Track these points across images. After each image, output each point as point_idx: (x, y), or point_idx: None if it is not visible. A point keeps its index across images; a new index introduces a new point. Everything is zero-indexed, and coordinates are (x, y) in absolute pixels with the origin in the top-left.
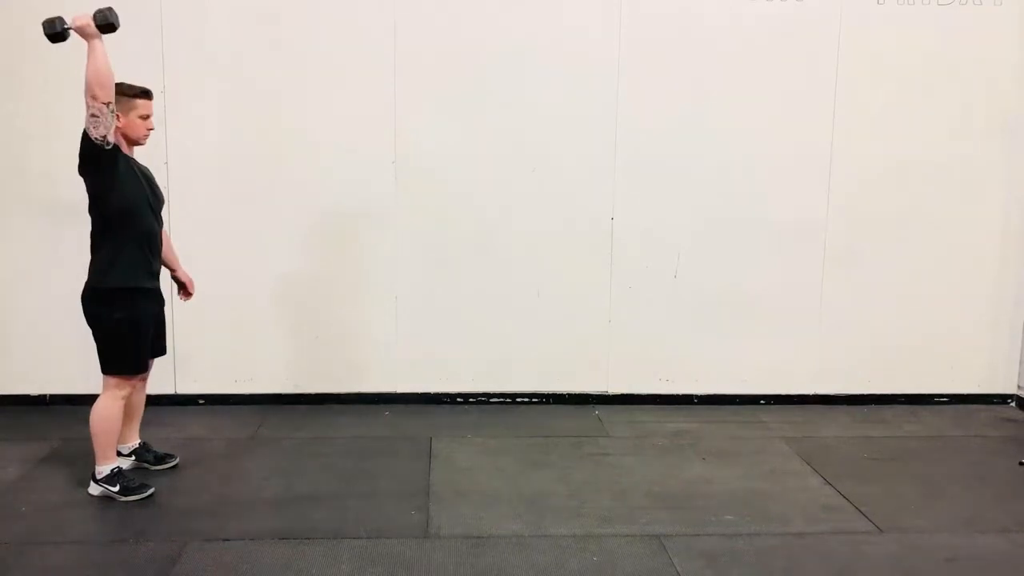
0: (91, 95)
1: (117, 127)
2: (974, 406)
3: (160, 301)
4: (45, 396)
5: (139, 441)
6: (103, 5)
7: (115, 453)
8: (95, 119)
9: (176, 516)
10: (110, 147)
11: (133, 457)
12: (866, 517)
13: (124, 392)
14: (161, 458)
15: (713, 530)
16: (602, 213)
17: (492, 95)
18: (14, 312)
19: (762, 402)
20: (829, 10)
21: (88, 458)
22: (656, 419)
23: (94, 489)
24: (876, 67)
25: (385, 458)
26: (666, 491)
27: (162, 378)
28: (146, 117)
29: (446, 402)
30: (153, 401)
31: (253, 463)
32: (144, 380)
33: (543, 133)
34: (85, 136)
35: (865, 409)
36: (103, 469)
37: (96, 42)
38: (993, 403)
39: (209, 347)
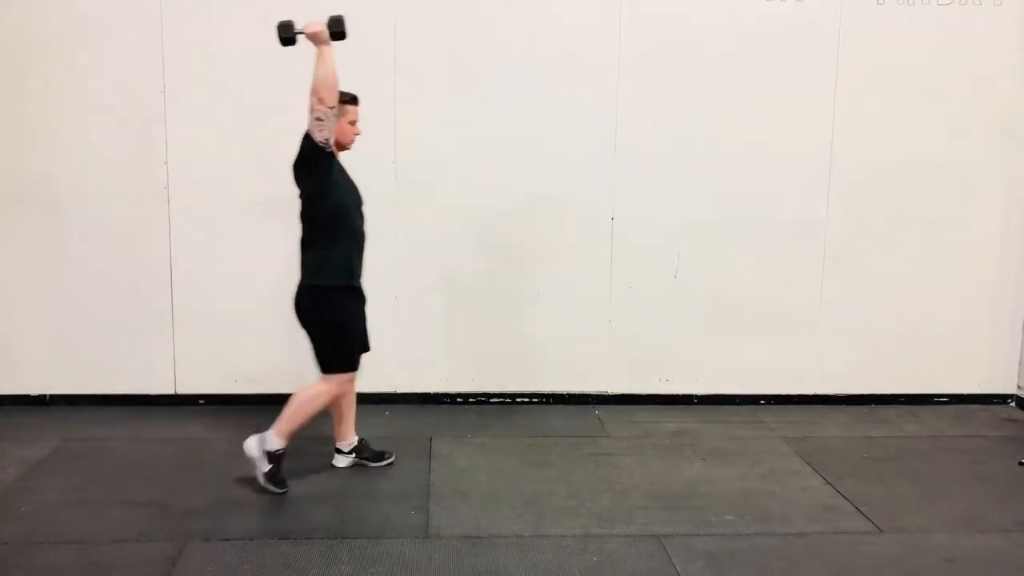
0: (318, 98)
1: None
2: (974, 406)
3: (364, 299)
4: (45, 396)
5: (358, 438)
6: (334, 13)
7: (290, 438)
8: (320, 123)
9: (176, 516)
10: (330, 150)
11: (354, 455)
12: (866, 517)
13: (337, 390)
14: (378, 455)
15: (713, 530)
16: (602, 213)
17: (492, 95)
18: (14, 312)
19: (762, 402)
20: (829, 10)
21: (87, 459)
22: (656, 419)
23: (253, 449)
24: (876, 67)
25: None
26: (666, 491)
27: (162, 378)
28: (354, 122)
29: (446, 402)
30: (153, 401)
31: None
32: (353, 380)
33: (543, 133)
34: (308, 139)
35: (865, 409)
36: (274, 444)
37: (326, 48)
38: (993, 403)
39: (209, 347)
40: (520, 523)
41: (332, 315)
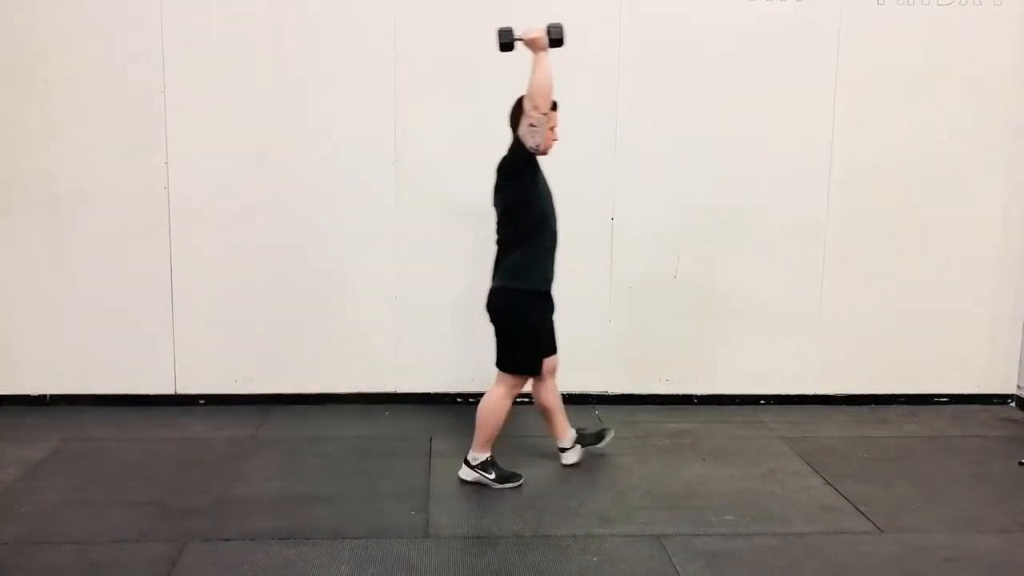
0: (533, 105)
1: None
2: (974, 406)
3: (553, 303)
4: (45, 396)
5: (573, 431)
6: (553, 21)
7: (491, 445)
8: (533, 129)
9: (176, 516)
10: (538, 156)
11: (578, 446)
12: (866, 517)
13: (518, 391)
14: (599, 435)
15: (713, 530)
16: (602, 213)
17: (492, 94)
18: (14, 312)
19: (762, 402)
20: (829, 10)
21: (87, 459)
22: (656, 419)
23: (467, 474)
24: (876, 67)
25: (385, 458)
26: (666, 491)
27: (162, 378)
28: (553, 128)
29: (446, 402)
30: (153, 401)
31: (253, 463)
32: (553, 377)
33: None
34: (519, 145)
35: (865, 409)
36: (479, 456)
37: (543, 54)
38: (993, 403)
39: (209, 347)
40: (520, 523)
41: (530, 319)
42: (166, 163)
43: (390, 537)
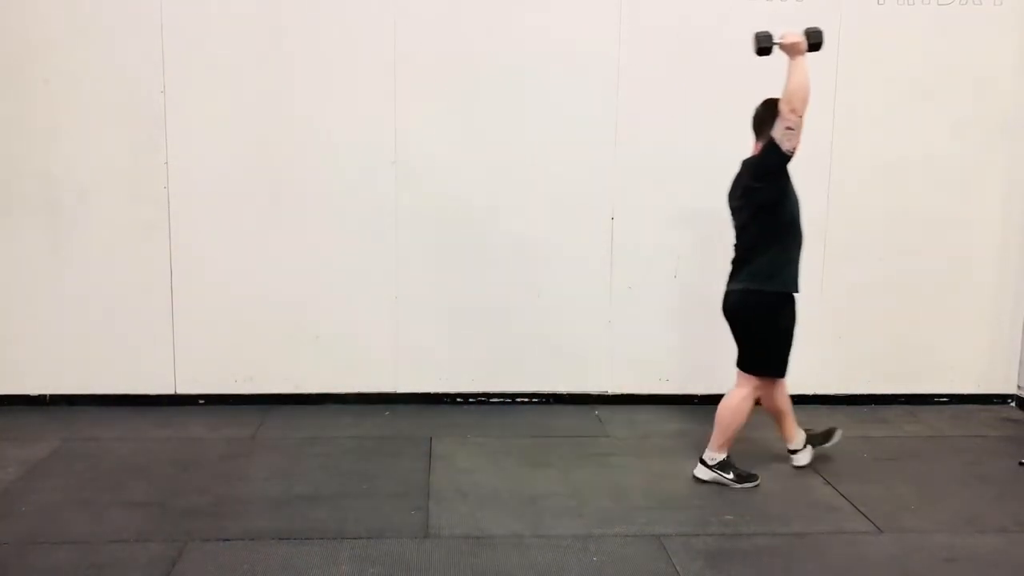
0: (791, 108)
1: None
2: (974, 406)
3: None
4: (45, 396)
5: (803, 432)
6: (810, 26)
7: (729, 445)
8: (790, 132)
9: (176, 516)
10: (791, 158)
11: (810, 447)
12: (866, 517)
13: (758, 393)
14: (827, 434)
15: (713, 530)
16: (602, 213)
17: (492, 94)
18: (14, 312)
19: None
20: (829, 10)
21: (87, 459)
22: (656, 419)
23: (704, 474)
24: (876, 67)
25: (385, 458)
26: (666, 491)
27: (162, 378)
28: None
29: (446, 402)
30: (153, 401)
31: (253, 463)
32: (784, 380)
33: (543, 133)
34: (775, 149)
35: (865, 409)
36: (716, 456)
37: (801, 59)
38: (993, 403)
39: (209, 347)
40: (520, 523)
41: (782, 322)
42: (166, 163)
43: (390, 537)
